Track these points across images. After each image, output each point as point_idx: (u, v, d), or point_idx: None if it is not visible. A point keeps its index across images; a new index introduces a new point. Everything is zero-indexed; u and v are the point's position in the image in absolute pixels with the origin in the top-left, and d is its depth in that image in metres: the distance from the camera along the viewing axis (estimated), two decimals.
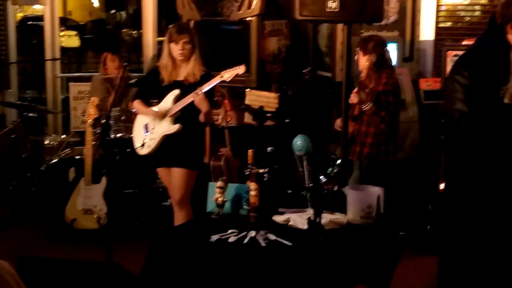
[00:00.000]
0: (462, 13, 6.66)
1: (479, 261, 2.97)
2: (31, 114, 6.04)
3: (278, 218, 3.44)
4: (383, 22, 6.03)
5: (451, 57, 5.31)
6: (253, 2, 5.99)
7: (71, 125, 6.78)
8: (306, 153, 3.57)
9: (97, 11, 21.56)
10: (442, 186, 5.06)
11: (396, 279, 3.40)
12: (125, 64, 5.61)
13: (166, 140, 4.40)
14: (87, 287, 3.11)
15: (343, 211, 3.46)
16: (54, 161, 5.64)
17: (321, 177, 3.63)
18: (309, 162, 3.58)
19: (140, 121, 4.57)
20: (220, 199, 3.54)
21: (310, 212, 3.37)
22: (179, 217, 4.55)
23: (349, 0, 3.84)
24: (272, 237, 3.19)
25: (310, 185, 3.53)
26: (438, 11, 6.51)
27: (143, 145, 4.49)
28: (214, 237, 3.20)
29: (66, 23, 17.18)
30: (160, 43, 7.96)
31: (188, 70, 4.38)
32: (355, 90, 4.51)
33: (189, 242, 3.29)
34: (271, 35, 6.34)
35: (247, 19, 6.07)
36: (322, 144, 5.46)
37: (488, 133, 2.87)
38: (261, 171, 3.46)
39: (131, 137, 5.42)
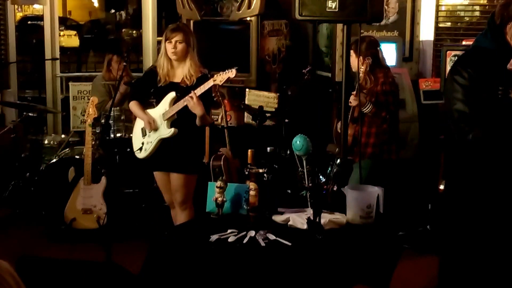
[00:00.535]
0: (462, 13, 6.66)
1: (479, 261, 2.97)
2: (30, 114, 6.04)
3: (278, 218, 3.44)
4: (382, 22, 6.03)
5: (450, 57, 5.31)
6: (253, 2, 5.99)
7: (70, 125, 6.78)
8: (305, 153, 3.57)
9: (97, 11, 21.57)
10: (441, 186, 5.06)
11: (395, 279, 3.40)
12: (124, 64, 5.61)
13: (164, 144, 4.38)
14: (87, 287, 3.11)
15: (343, 211, 3.46)
16: (53, 161, 5.64)
17: (320, 177, 3.63)
18: (308, 162, 3.58)
19: (138, 124, 4.57)
20: (219, 199, 3.54)
21: (309, 212, 3.37)
22: (181, 218, 4.56)
23: (348, 0, 3.83)
24: (271, 237, 3.19)
25: (309, 185, 3.53)
26: (437, 11, 6.51)
27: (140, 148, 4.49)
28: (214, 237, 3.20)
29: (65, 23, 17.20)
30: (160, 43, 7.97)
31: (184, 71, 4.35)
32: (354, 92, 4.51)
33: (188, 242, 3.29)
34: (271, 35, 6.34)
35: (247, 19, 6.07)
36: (322, 144, 5.47)
37: (488, 132, 2.87)
38: (260, 171, 3.46)
39: (131, 137, 5.43)
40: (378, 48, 4.88)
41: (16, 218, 5.79)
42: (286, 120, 5.67)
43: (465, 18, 6.66)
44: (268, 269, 3.04)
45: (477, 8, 6.61)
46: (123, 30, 18.09)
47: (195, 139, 4.46)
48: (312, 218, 3.20)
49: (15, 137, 6.14)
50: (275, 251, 3.09)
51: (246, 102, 5.84)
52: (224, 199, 3.56)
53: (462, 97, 2.89)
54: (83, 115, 5.70)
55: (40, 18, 8.48)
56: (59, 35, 7.66)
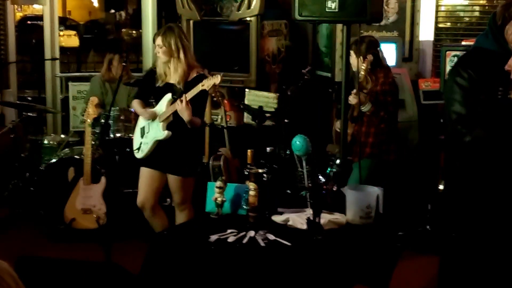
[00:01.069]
0: (461, 14, 6.66)
1: (479, 261, 2.97)
2: (30, 114, 6.03)
3: (277, 218, 3.44)
4: (382, 23, 6.03)
5: (450, 58, 5.31)
6: (253, 2, 5.99)
7: (70, 125, 6.78)
8: (305, 153, 3.57)
9: (97, 11, 21.57)
10: (441, 186, 5.06)
11: (395, 279, 3.40)
12: (124, 64, 5.61)
13: (161, 145, 4.40)
14: (86, 287, 3.11)
15: (342, 211, 3.46)
16: (53, 160, 5.63)
17: (320, 177, 3.63)
18: (308, 162, 3.58)
19: (139, 124, 4.60)
20: (219, 199, 3.54)
21: (309, 212, 3.37)
22: (180, 219, 4.59)
23: (348, 1, 3.83)
24: (271, 237, 3.19)
25: (309, 185, 3.53)
26: (437, 11, 6.51)
27: (138, 148, 4.52)
28: (213, 237, 3.20)
29: (65, 22, 17.19)
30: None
31: (174, 72, 4.36)
32: (354, 91, 4.51)
33: (188, 242, 3.29)
34: (271, 35, 6.34)
35: (247, 19, 6.07)
36: (321, 144, 5.47)
37: (487, 134, 2.87)
38: (260, 171, 3.46)
39: (130, 137, 5.44)
40: (379, 48, 4.89)
41: (16, 218, 5.79)
42: (286, 120, 5.67)
43: (465, 18, 6.66)
44: (267, 269, 3.04)
45: (477, 8, 6.61)
46: (123, 30, 18.09)
47: (192, 141, 4.47)
48: (311, 218, 3.20)
49: (14, 137, 6.13)
50: (275, 251, 3.09)
51: (246, 102, 5.84)
52: (224, 199, 3.56)
53: (460, 99, 2.89)
54: (83, 115, 5.69)
55: (40, 18, 8.45)
56: (59, 35, 7.64)
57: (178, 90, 4.34)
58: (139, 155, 4.52)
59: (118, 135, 5.51)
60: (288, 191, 4.56)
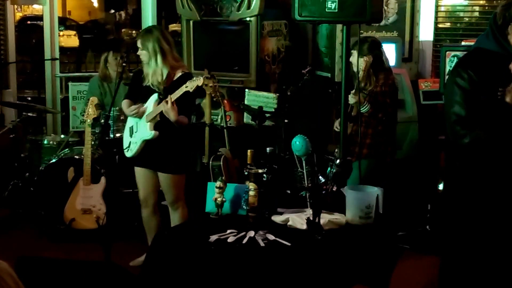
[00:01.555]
0: (461, 14, 6.67)
1: (479, 261, 2.97)
2: (30, 114, 6.03)
3: (277, 218, 3.44)
4: (382, 23, 6.03)
5: (450, 58, 5.32)
6: (253, 3, 5.99)
7: (70, 125, 6.78)
8: (305, 153, 3.57)
9: (97, 11, 21.57)
10: (441, 186, 5.06)
11: (395, 279, 3.40)
12: (123, 64, 5.60)
13: (150, 143, 4.45)
14: (86, 287, 3.11)
15: (342, 211, 3.46)
16: (53, 161, 5.63)
17: (320, 177, 3.63)
18: (308, 163, 3.58)
19: (128, 123, 4.67)
20: (219, 199, 3.54)
21: (309, 212, 3.37)
22: (174, 218, 4.64)
23: (348, 1, 3.83)
24: (271, 237, 3.19)
25: (309, 185, 3.53)
26: (437, 11, 6.51)
27: (128, 147, 4.58)
28: (213, 237, 3.20)
29: (65, 23, 17.19)
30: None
31: (153, 75, 4.41)
32: (353, 91, 4.52)
33: (188, 242, 3.29)
34: (271, 35, 6.34)
35: (247, 19, 6.07)
36: (322, 144, 5.46)
37: (485, 136, 2.87)
38: (260, 171, 3.46)
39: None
40: (381, 49, 4.89)
41: (16, 218, 5.79)
42: (286, 121, 5.67)
43: (465, 18, 6.67)
44: (267, 270, 3.04)
45: (477, 8, 6.61)
46: (123, 30, 18.10)
47: (180, 139, 4.51)
48: (311, 218, 3.20)
49: (14, 137, 6.13)
50: (275, 251, 3.10)
51: (246, 102, 5.84)
52: (224, 199, 3.56)
53: (460, 100, 2.89)
54: (83, 115, 5.69)
55: (40, 18, 8.46)
56: (59, 35, 7.64)
57: (165, 89, 4.40)
58: (128, 154, 4.59)
59: (118, 135, 5.49)
60: (288, 191, 4.56)
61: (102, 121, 5.43)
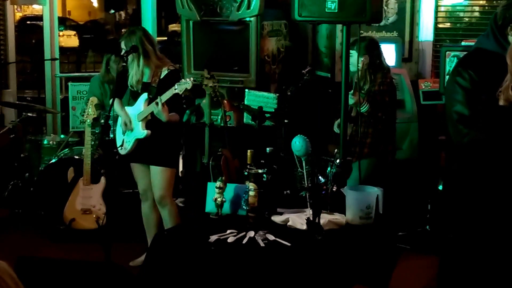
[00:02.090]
0: (461, 14, 6.66)
1: (478, 261, 2.97)
2: (30, 114, 6.03)
3: (277, 219, 3.44)
4: (382, 23, 6.03)
5: (449, 58, 5.31)
6: (252, 3, 5.99)
7: (70, 125, 6.77)
8: (305, 153, 3.57)
9: (96, 11, 21.58)
10: (441, 186, 5.06)
11: (394, 279, 3.40)
12: (123, 64, 5.60)
13: (142, 141, 4.53)
14: (86, 287, 3.11)
15: (342, 211, 3.46)
16: (53, 161, 5.63)
17: (320, 177, 3.63)
18: (308, 163, 3.58)
19: (120, 121, 4.73)
20: (219, 199, 3.54)
21: (309, 212, 3.37)
22: (164, 216, 4.68)
23: (348, 1, 3.83)
24: (271, 237, 3.19)
25: (309, 185, 3.53)
26: (437, 11, 6.51)
27: (121, 145, 4.66)
28: (213, 237, 3.20)
29: (65, 23, 17.20)
30: (159, 43, 7.97)
31: (136, 74, 4.51)
32: (351, 91, 4.51)
33: (188, 242, 3.29)
34: (271, 36, 6.34)
35: (247, 19, 6.07)
36: (321, 145, 5.46)
37: (486, 135, 2.87)
38: (260, 171, 3.46)
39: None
40: (379, 49, 4.89)
41: (15, 218, 5.78)
42: (286, 121, 5.67)
43: (465, 18, 6.66)
44: (267, 270, 3.04)
45: (477, 8, 6.61)
46: (123, 30, 18.09)
47: (172, 134, 4.59)
48: (311, 219, 3.20)
49: (14, 137, 6.12)
50: (275, 251, 3.10)
51: (246, 102, 5.84)
52: (224, 199, 3.56)
53: (462, 99, 2.89)
54: (83, 115, 5.69)
55: (40, 18, 8.46)
56: (59, 35, 7.64)
57: (152, 89, 4.49)
58: (122, 152, 4.66)
59: None
60: (288, 192, 4.56)
61: (102, 121, 5.44)
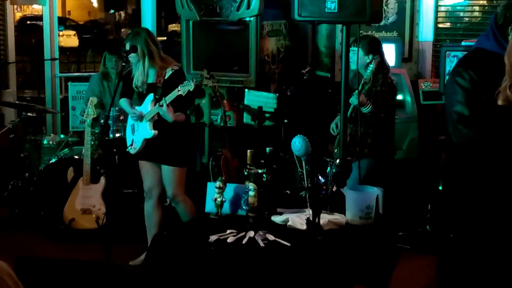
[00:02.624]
0: (461, 14, 6.66)
1: (477, 261, 2.97)
2: (29, 114, 6.02)
3: (277, 219, 3.44)
4: (382, 23, 6.03)
5: (449, 58, 5.31)
6: (252, 3, 5.99)
7: (69, 125, 6.77)
8: (304, 153, 3.57)
9: (96, 11, 21.59)
10: (441, 186, 5.06)
11: (394, 279, 3.40)
12: (123, 64, 5.60)
13: (152, 139, 4.56)
14: (86, 287, 3.10)
15: (342, 211, 3.46)
16: (52, 161, 5.63)
17: (319, 177, 3.63)
18: (307, 163, 3.58)
19: (129, 121, 4.78)
20: (219, 199, 3.54)
21: (308, 212, 3.37)
22: (180, 212, 4.72)
23: (348, 1, 3.83)
24: (271, 237, 3.19)
25: (308, 185, 3.53)
26: (437, 11, 6.51)
27: (131, 145, 4.70)
28: (213, 237, 3.20)
29: (65, 23, 17.20)
30: (159, 43, 7.96)
31: (141, 75, 4.55)
32: (357, 91, 4.49)
33: (188, 242, 3.29)
34: (270, 36, 6.34)
35: (246, 19, 6.07)
36: (321, 145, 5.46)
37: (486, 134, 2.86)
38: (260, 171, 3.46)
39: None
40: (382, 48, 4.88)
41: (15, 218, 5.78)
42: (286, 121, 5.66)
43: (465, 18, 6.66)
44: (267, 270, 3.04)
45: (477, 8, 6.61)
46: (122, 30, 18.11)
47: (180, 133, 4.62)
48: (311, 219, 3.20)
49: (14, 137, 6.12)
50: (274, 251, 3.09)
51: (245, 102, 5.84)
52: (223, 199, 3.55)
53: (462, 99, 2.89)
54: (82, 115, 5.69)
55: (39, 18, 8.46)
56: (58, 35, 7.64)
57: (158, 90, 4.54)
58: (132, 151, 4.70)
59: (117, 135, 5.49)
60: (288, 192, 4.56)
61: (102, 121, 5.43)
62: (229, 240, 3.18)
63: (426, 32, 6.48)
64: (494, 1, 6.27)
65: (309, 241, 3.17)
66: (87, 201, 5.34)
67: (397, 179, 5.23)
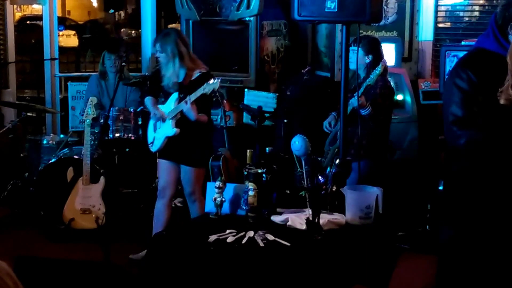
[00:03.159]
0: (461, 14, 6.66)
1: (477, 261, 2.97)
2: (29, 114, 6.03)
3: (277, 218, 3.44)
4: (381, 23, 6.03)
5: (449, 58, 5.31)
6: (252, 2, 5.99)
7: (69, 125, 6.77)
8: (304, 153, 3.57)
9: (96, 11, 21.58)
10: (441, 186, 5.06)
11: (394, 279, 3.40)
12: (123, 64, 5.60)
13: (172, 139, 4.62)
14: (85, 287, 3.10)
15: (342, 211, 3.46)
16: (52, 160, 5.62)
17: (319, 177, 3.63)
18: (307, 163, 3.58)
19: (152, 119, 4.82)
20: (218, 199, 3.54)
21: (308, 212, 3.37)
22: (193, 210, 4.79)
23: (347, 1, 3.82)
24: (270, 237, 3.19)
25: (308, 185, 3.53)
26: (437, 11, 6.51)
27: (152, 142, 4.75)
28: (213, 237, 3.20)
29: (65, 22, 17.19)
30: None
31: (172, 75, 4.58)
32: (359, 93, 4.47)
33: (187, 242, 3.28)
34: (270, 35, 6.34)
35: (246, 19, 6.07)
36: (321, 145, 5.45)
37: (481, 137, 2.86)
38: (259, 171, 3.46)
39: (130, 137, 5.44)
40: (381, 49, 4.88)
41: (15, 218, 5.78)
42: (285, 121, 5.67)
43: (465, 18, 6.65)
44: (267, 270, 3.04)
45: (477, 8, 6.60)
46: (122, 30, 18.10)
47: (201, 134, 4.67)
48: (311, 219, 3.20)
49: (13, 137, 6.12)
50: (274, 251, 3.09)
51: (245, 102, 5.84)
52: (223, 199, 3.55)
53: (458, 100, 2.89)
54: (82, 115, 5.69)
55: (39, 18, 8.46)
56: (58, 35, 7.63)
57: (184, 87, 4.57)
58: (153, 149, 4.77)
59: (117, 135, 5.51)
60: (288, 191, 4.56)
61: (102, 121, 5.43)
62: (228, 240, 3.17)
63: (426, 32, 6.48)
64: (494, 1, 6.27)
65: (308, 241, 3.17)
66: (87, 201, 5.34)
67: (397, 179, 5.23)
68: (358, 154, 4.70)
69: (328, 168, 4.20)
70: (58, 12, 8.87)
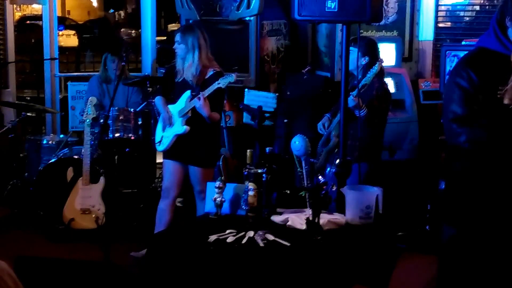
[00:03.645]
0: (461, 13, 6.65)
1: (478, 261, 2.97)
2: (29, 114, 6.03)
3: (277, 218, 3.44)
4: (382, 22, 6.03)
5: (450, 57, 5.31)
6: (252, 2, 5.98)
7: (69, 125, 6.77)
8: (304, 153, 3.57)
9: (96, 11, 21.60)
10: (441, 186, 5.05)
11: (394, 279, 3.39)
12: (123, 64, 5.60)
13: (182, 138, 4.61)
14: (85, 287, 3.10)
15: (342, 211, 3.46)
16: (52, 160, 5.62)
17: (319, 177, 3.63)
18: (307, 163, 3.57)
19: (161, 118, 4.80)
20: (218, 199, 3.54)
21: (308, 212, 3.37)
22: (200, 208, 4.72)
23: (348, 0, 3.82)
24: (270, 237, 3.19)
25: (308, 185, 3.53)
26: (437, 11, 6.51)
27: (160, 142, 4.73)
28: (212, 237, 3.19)
29: (64, 22, 17.20)
30: (159, 43, 7.96)
31: (188, 69, 4.58)
32: (355, 93, 4.47)
33: (187, 242, 3.28)
34: (270, 35, 6.34)
35: (246, 18, 6.07)
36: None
37: (482, 135, 2.86)
38: (259, 171, 3.46)
39: (129, 137, 5.43)
40: (377, 50, 4.87)
41: (15, 218, 5.78)
42: (285, 121, 5.66)
43: (465, 18, 6.65)
44: (266, 270, 3.04)
45: (477, 8, 6.60)
46: (122, 29, 18.11)
47: (211, 134, 4.69)
48: (311, 219, 3.20)
49: (13, 137, 6.12)
50: (274, 251, 3.09)
51: (245, 102, 5.83)
52: (223, 199, 3.55)
53: (458, 99, 2.89)
54: (82, 115, 5.69)
55: (39, 17, 8.46)
56: (58, 35, 7.63)
57: (196, 87, 4.57)
58: (160, 148, 4.75)
59: (117, 135, 5.50)
60: (287, 191, 4.55)
61: (101, 121, 5.43)
62: (228, 240, 3.17)
63: (426, 32, 6.47)
64: (495, 0, 6.27)
65: (308, 241, 3.17)
66: (87, 201, 5.34)
67: (397, 179, 5.23)
68: (352, 156, 4.69)
69: (328, 168, 4.19)
70: (58, 12, 8.85)
